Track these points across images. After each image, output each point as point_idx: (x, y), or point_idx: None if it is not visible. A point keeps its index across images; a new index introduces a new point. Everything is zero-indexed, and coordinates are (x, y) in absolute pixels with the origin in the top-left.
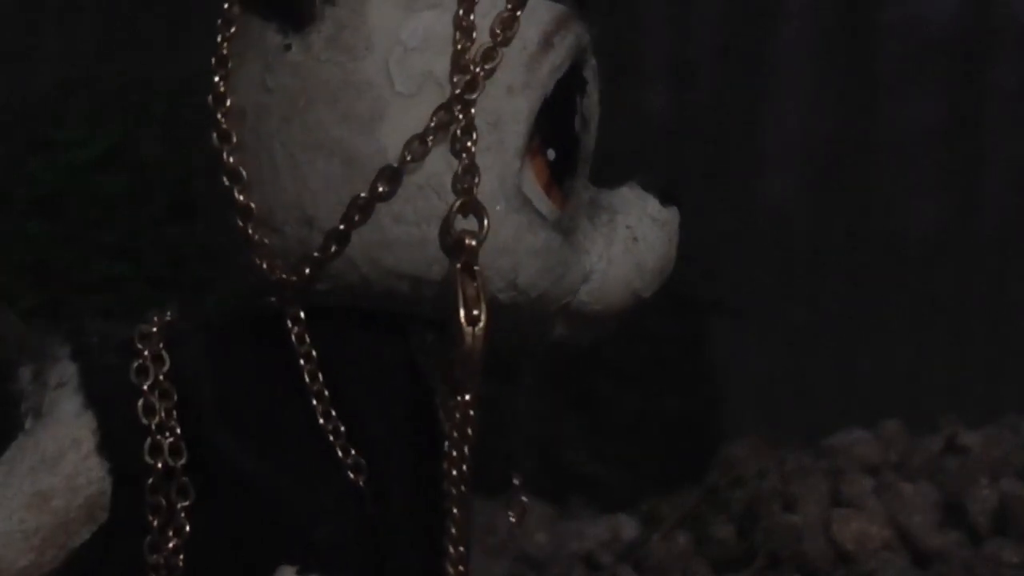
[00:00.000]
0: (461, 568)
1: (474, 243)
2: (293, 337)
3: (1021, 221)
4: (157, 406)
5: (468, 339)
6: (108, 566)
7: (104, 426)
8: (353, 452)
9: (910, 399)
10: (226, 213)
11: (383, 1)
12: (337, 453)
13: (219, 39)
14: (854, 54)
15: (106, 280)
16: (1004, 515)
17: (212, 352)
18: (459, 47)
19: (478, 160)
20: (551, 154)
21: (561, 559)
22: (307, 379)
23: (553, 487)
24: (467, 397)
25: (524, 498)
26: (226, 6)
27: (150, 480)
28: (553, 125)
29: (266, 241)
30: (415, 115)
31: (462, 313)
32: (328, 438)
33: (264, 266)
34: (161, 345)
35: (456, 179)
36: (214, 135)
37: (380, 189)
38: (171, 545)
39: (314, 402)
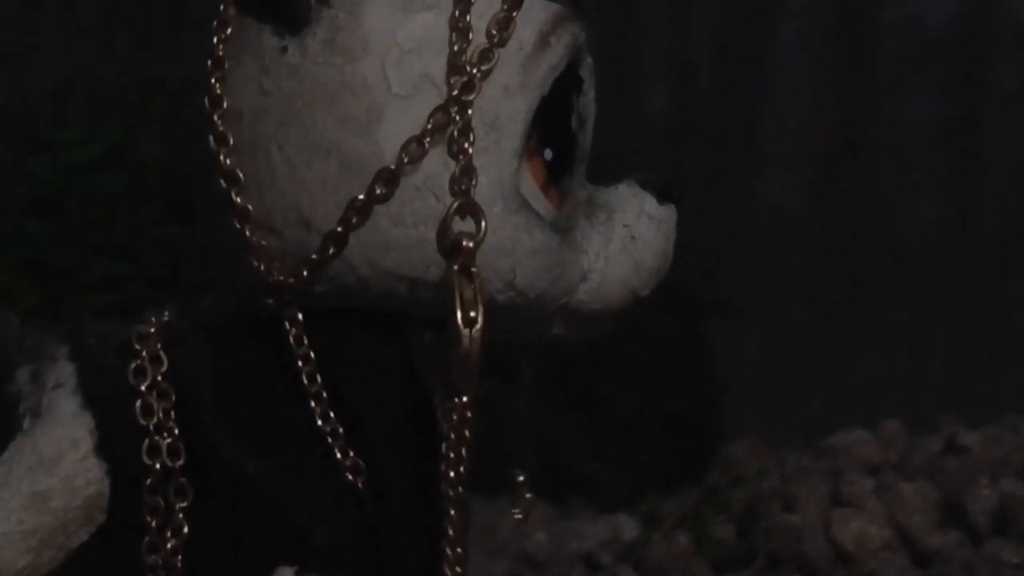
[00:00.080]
0: (458, 569)
1: (471, 245)
2: (291, 339)
3: (1021, 221)
4: (155, 407)
5: (465, 341)
6: (106, 567)
7: (102, 427)
8: (352, 453)
9: (910, 399)
10: (223, 215)
11: (379, 3)
12: (336, 454)
13: (215, 41)
14: (854, 54)
15: (106, 280)
16: (1004, 515)
17: (210, 353)
18: (455, 48)
19: (475, 161)
20: (548, 154)
21: (561, 559)
22: (305, 380)
23: (553, 487)
24: (464, 399)
25: (529, 494)
26: (222, 8)
27: (148, 481)
28: (550, 124)
29: (264, 243)
30: (412, 117)
31: (459, 315)
32: (327, 439)
33: (262, 268)
34: (159, 346)
35: (453, 181)
36: (211, 137)
37: (378, 191)
38: (169, 546)
39: (312, 403)
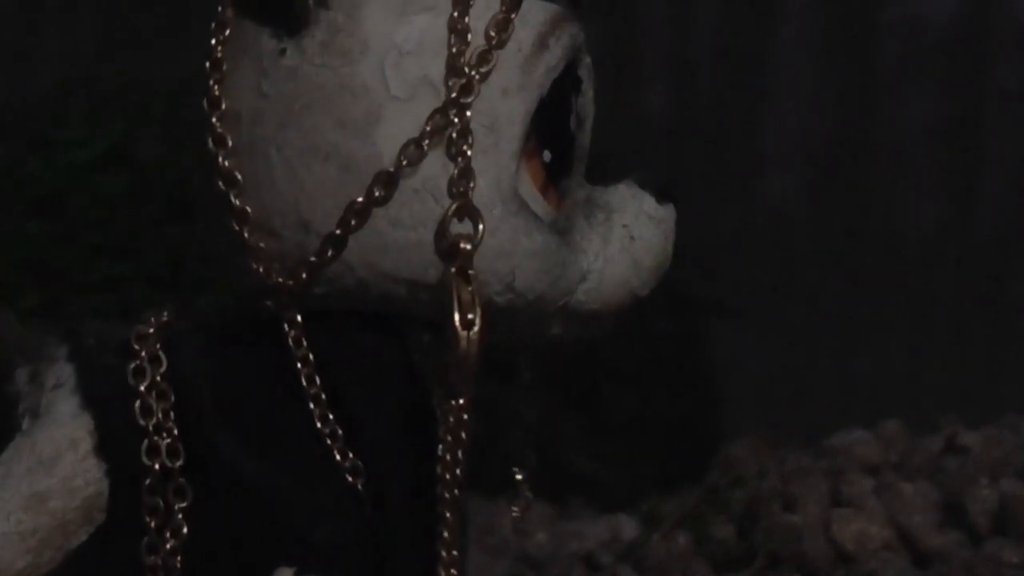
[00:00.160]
0: (454, 572)
1: (469, 247)
2: (290, 340)
3: (1021, 221)
4: (154, 407)
5: (463, 343)
6: (106, 567)
7: (101, 427)
8: (351, 454)
9: (910, 399)
10: (222, 217)
11: (377, 5)
12: (335, 455)
13: (213, 42)
14: (854, 54)
15: (106, 280)
16: (1004, 515)
17: (210, 353)
18: (454, 50)
19: (474, 163)
20: (547, 155)
21: (561, 559)
22: (304, 382)
23: (553, 487)
24: (461, 401)
25: (528, 493)
26: (220, 9)
27: (147, 481)
28: (548, 125)
29: (262, 245)
30: (411, 119)
31: (457, 318)
32: (326, 440)
33: (261, 270)
34: (158, 346)
35: (452, 183)
36: (209, 139)
37: (376, 193)
38: (169, 546)
39: (311, 405)
